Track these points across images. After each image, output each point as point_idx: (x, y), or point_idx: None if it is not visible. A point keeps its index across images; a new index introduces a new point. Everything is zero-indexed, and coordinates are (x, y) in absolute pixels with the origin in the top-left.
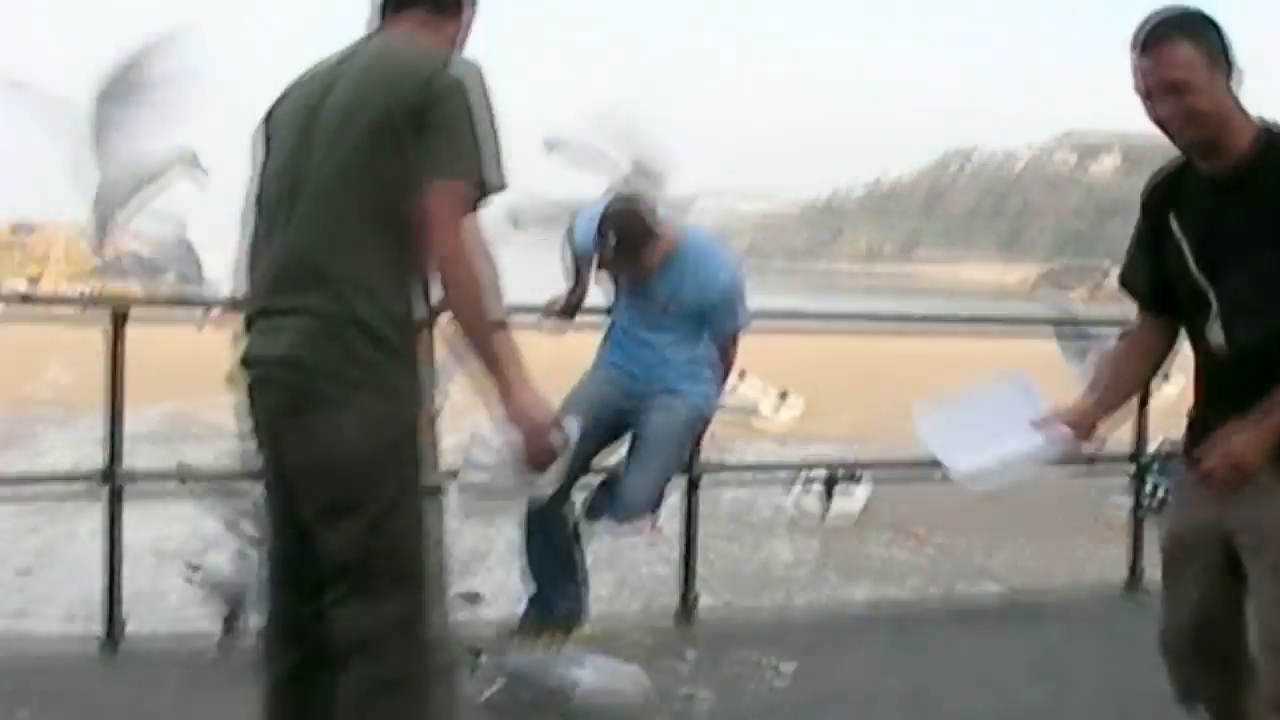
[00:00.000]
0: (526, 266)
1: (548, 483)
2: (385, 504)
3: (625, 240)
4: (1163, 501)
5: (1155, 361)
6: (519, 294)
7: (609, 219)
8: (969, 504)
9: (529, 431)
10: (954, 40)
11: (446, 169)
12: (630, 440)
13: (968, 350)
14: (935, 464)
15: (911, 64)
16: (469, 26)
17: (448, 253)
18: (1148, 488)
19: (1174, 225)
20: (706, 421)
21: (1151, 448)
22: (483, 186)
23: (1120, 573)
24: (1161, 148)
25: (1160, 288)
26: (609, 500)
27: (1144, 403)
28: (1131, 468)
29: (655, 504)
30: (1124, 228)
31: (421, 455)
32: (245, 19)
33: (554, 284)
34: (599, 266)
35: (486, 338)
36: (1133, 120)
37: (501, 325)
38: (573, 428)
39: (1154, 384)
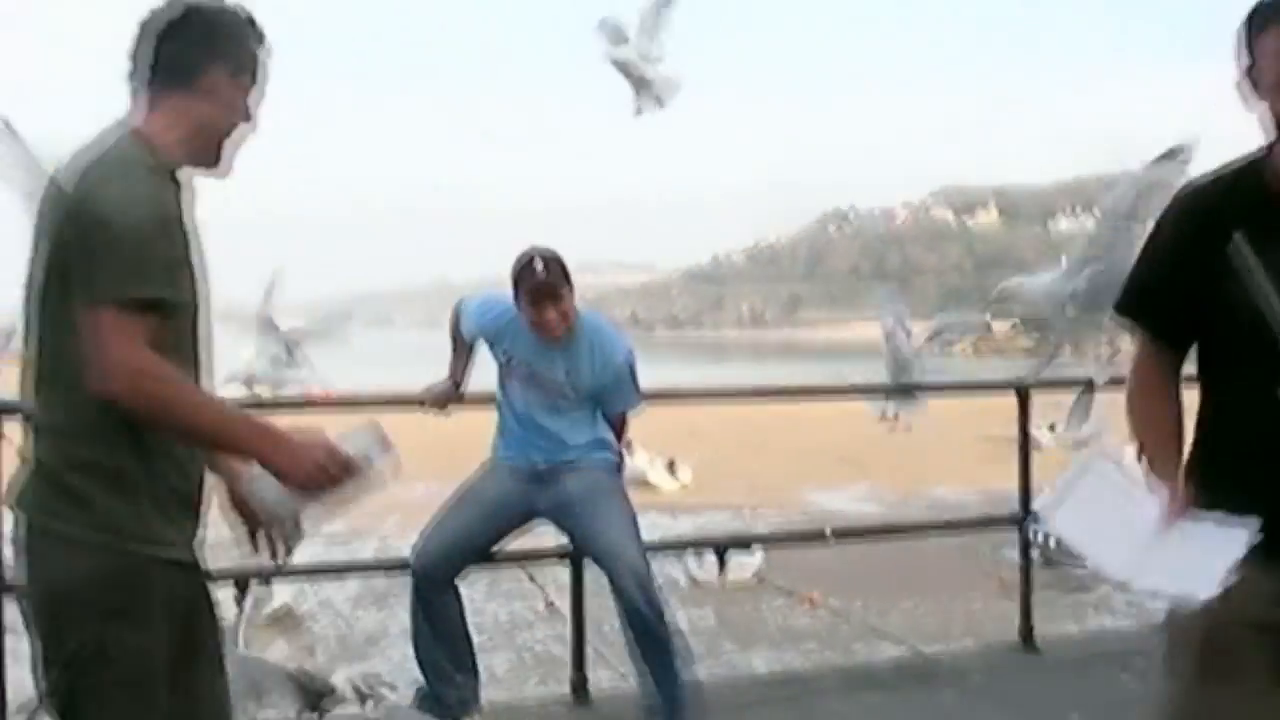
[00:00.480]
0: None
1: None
2: (69, 657)
3: (551, 269)
4: (1056, 550)
5: (1179, 398)
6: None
7: (536, 249)
8: (862, 566)
9: (308, 480)
10: (826, 101)
11: (92, 293)
12: (566, 523)
13: (850, 409)
14: (823, 534)
15: (784, 126)
16: (231, 95)
17: (111, 386)
18: (1039, 538)
19: (1244, 250)
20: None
21: (1040, 500)
22: (146, 301)
23: (1014, 629)
24: (1039, 198)
25: (1186, 317)
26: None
27: (1027, 457)
28: (1020, 521)
29: (643, 553)
30: (1004, 280)
31: (124, 605)
32: None
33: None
34: (529, 299)
35: (208, 439)
36: (1007, 172)
37: (203, 422)
38: (361, 441)
39: (1038, 436)
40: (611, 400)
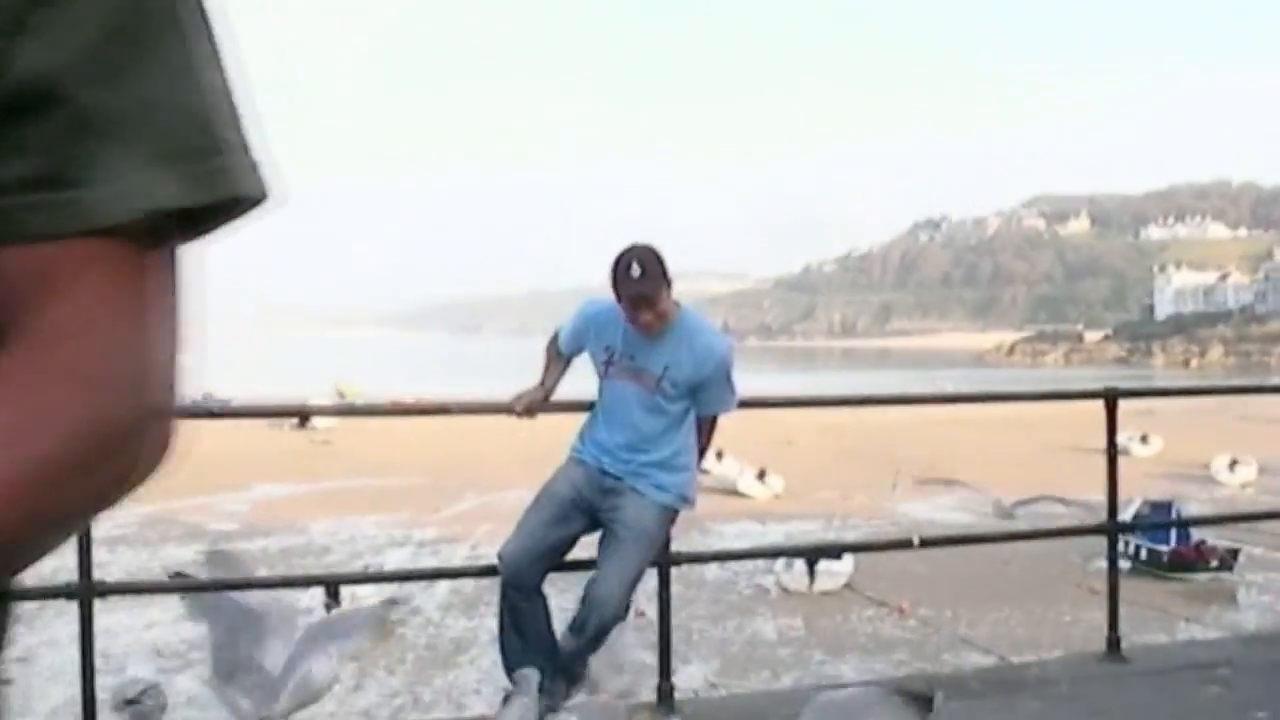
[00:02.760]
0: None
1: None
2: None
3: (648, 271)
4: (1145, 559)
5: None
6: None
7: (634, 251)
8: (952, 576)
9: None
10: (918, 108)
11: None
12: (601, 535)
13: (940, 419)
14: (910, 542)
15: (877, 134)
16: None
17: None
18: (1130, 548)
19: None
20: (677, 512)
21: (1130, 510)
22: None
23: (1101, 639)
24: (1131, 208)
25: None
26: (579, 618)
27: (1114, 465)
28: (1108, 530)
29: (625, 604)
30: (1095, 289)
31: None
32: None
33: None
34: (620, 299)
35: None
36: (1100, 182)
37: None
38: None
39: (1130, 445)
40: (708, 398)
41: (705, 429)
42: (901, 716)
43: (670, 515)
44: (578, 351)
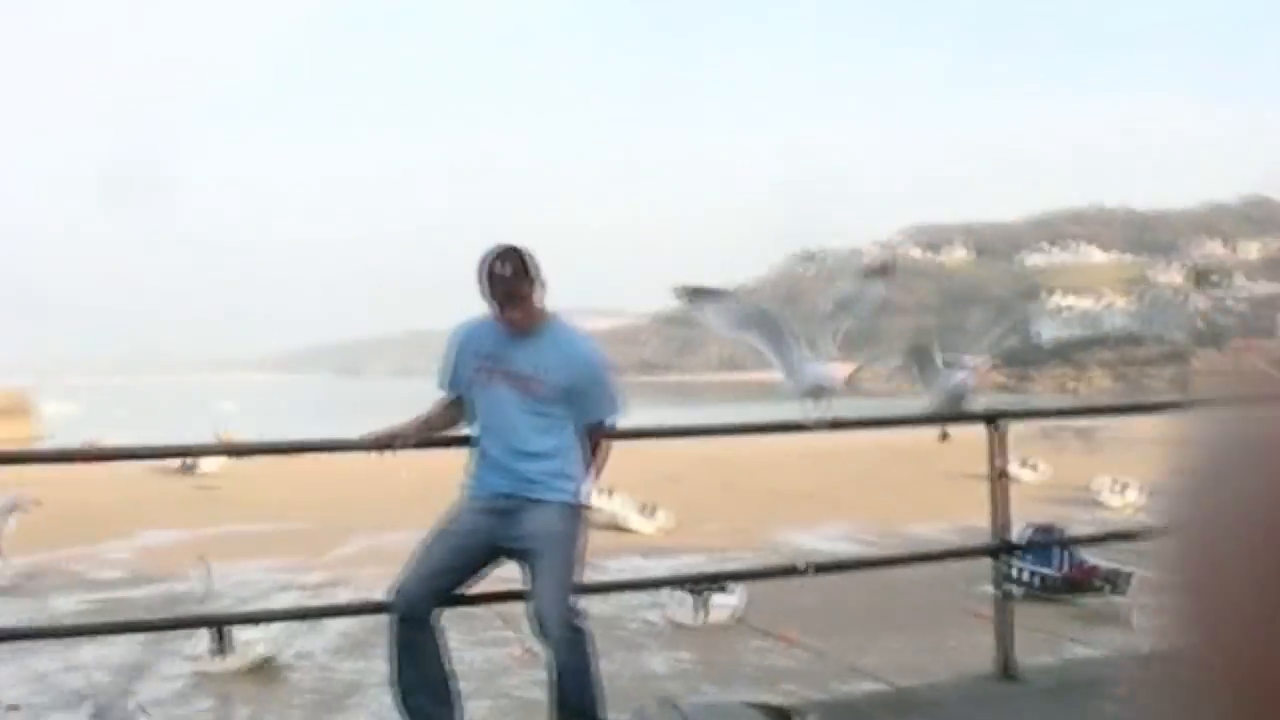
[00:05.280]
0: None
1: None
2: None
3: (516, 268)
4: (1033, 584)
5: None
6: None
7: (501, 250)
8: (840, 604)
9: None
10: (790, 137)
11: None
12: (519, 561)
13: (821, 450)
14: (795, 568)
15: (750, 165)
16: None
17: None
18: (1014, 572)
19: None
20: (581, 512)
21: (1015, 533)
22: None
23: (991, 661)
24: (1009, 236)
25: None
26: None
27: (997, 488)
28: (994, 552)
29: (572, 614)
30: (979, 316)
31: None
32: None
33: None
34: (491, 295)
35: None
36: (978, 210)
37: None
38: None
39: (1017, 471)
40: (588, 404)
41: (597, 446)
42: None
43: (576, 513)
44: (458, 379)
